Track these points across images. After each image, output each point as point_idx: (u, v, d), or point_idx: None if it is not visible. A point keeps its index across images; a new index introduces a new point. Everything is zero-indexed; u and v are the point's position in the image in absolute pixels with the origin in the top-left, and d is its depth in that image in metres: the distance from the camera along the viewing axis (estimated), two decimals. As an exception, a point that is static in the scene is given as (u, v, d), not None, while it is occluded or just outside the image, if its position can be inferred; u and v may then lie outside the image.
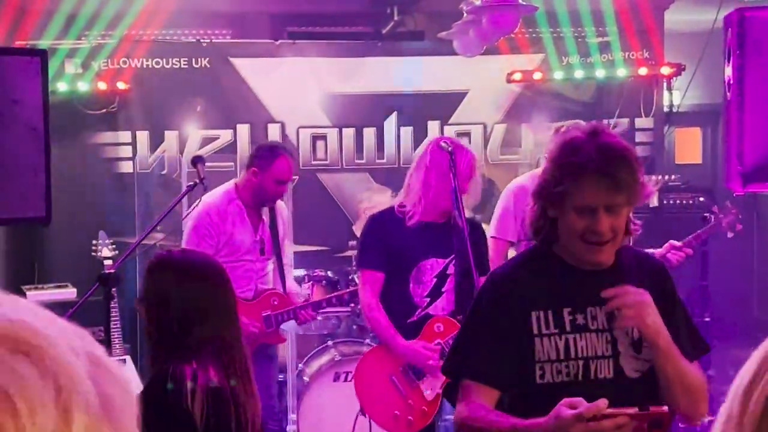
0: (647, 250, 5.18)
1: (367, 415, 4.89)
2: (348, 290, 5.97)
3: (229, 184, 5.56)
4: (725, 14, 3.71)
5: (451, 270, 4.74)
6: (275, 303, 5.39)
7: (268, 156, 5.46)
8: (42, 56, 3.77)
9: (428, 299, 4.73)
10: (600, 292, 2.68)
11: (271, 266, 5.61)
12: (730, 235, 5.81)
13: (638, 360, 2.74)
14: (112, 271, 4.49)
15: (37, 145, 3.74)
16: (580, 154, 2.59)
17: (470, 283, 4.34)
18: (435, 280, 4.74)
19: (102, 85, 7.68)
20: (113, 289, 4.46)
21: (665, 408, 2.49)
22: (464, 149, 4.71)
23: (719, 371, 5.95)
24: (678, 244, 5.40)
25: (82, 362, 0.91)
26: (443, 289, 4.74)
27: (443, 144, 4.56)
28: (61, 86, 7.43)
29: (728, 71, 3.67)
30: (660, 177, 7.54)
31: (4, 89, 3.68)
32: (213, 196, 5.43)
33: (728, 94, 3.67)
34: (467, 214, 4.62)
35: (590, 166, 2.55)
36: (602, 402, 2.43)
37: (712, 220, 5.79)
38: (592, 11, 8.06)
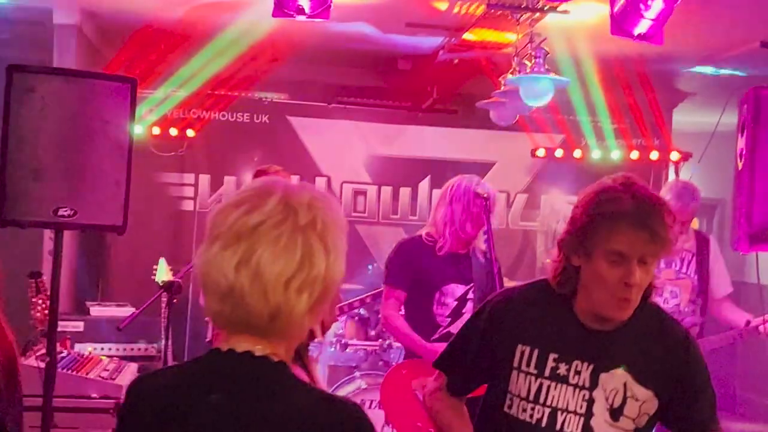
0: (751, 318, 5.10)
1: (390, 425, 4.82)
2: (364, 296, 6.16)
3: None
4: (729, 115, 3.72)
5: (470, 296, 4.74)
6: None
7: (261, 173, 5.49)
8: (132, 83, 3.79)
9: (449, 319, 4.75)
10: (595, 350, 2.48)
11: None
12: None
13: (613, 427, 2.48)
14: (177, 279, 4.47)
15: (122, 162, 3.75)
16: (617, 202, 2.38)
17: None
18: (456, 303, 4.74)
19: (173, 131, 7.74)
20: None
21: None
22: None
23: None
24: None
25: None
26: (463, 311, 4.74)
27: (480, 190, 4.59)
28: (138, 129, 7.49)
29: (741, 143, 3.65)
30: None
31: (97, 110, 3.71)
32: None
33: (740, 163, 3.64)
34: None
35: (628, 215, 2.35)
36: None
37: None
38: (607, 103, 8.07)
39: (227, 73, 7.33)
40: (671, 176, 8.37)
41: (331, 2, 4.02)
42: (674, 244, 2.50)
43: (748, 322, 5.21)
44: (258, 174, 5.55)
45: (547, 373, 2.49)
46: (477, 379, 2.72)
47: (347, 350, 6.45)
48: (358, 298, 6.06)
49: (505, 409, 2.55)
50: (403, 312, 4.94)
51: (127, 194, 3.77)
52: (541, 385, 2.49)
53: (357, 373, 6.26)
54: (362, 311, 6.61)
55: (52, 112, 3.67)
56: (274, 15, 4.15)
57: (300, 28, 5.77)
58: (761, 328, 5.12)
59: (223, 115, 7.93)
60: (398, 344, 6.28)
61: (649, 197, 2.40)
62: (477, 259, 4.74)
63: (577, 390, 2.48)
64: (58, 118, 3.67)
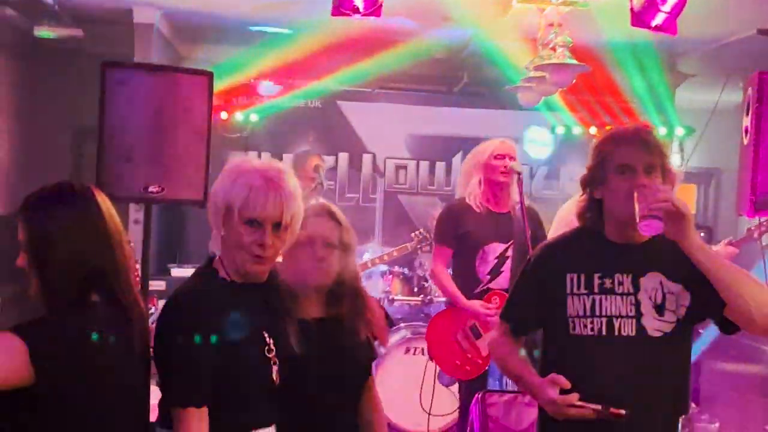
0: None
1: (433, 360, 4.84)
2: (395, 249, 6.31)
3: None
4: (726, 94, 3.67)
5: (509, 253, 4.67)
6: None
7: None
8: (209, 76, 3.80)
9: (489, 276, 4.68)
10: (630, 262, 2.60)
11: None
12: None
13: (660, 321, 2.58)
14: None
15: (201, 145, 3.76)
16: (619, 131, 2.65)
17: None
18: (496, 260, 4.68)
19: (239, 116, 7.76)
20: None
21: (623, 411, 2.45)
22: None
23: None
24: (733, 241, 5.03)
25: None
26: (502, 269, 4.67)
27: (514, 165, 4.56)
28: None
29: (746, 121, 3.58)
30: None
31: (180, 99, 3.72)
32: None
33: (745, 139, 3.59)
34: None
35: (628, 135, 2.58)
36: (573, 396, 2.49)
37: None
38: (618, 84, 7.94)
39: (286, 63, 7.30)
40: (675, 149, 8.27)
41: (382, 2, 3.98)
42: (672, 170, 2.60)
43: (729, 242, 5.04)
44: (299, 158, 5.63)
45: (596, 289, 2.59)
46: (534, 318, 2.75)
47: (394, 304, 6.49)
48: (378, 255, 6.12)
49: (570, 332, 2.61)
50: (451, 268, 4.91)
51: (206, 173, 3.78)
52: (594, 300, 2.59)
53: (402, 324, 6.28)
54: (406, 271, 6.63)
55: (140, 102, 3.69)
56: (333, 14, 4.13)
57: (352, 24, 5.73)
58: (722, 252, 4.91)
59: (282, 101, 7.91)
60: (438, 299, 6.30)
61: (645, 125, 2.62)
62: (517, 218, 4.63)
63: (624, 297, 2.58)
64: (146, 108, 3.69)
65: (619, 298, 2.58)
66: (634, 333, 2.57)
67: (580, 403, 2.47)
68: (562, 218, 4.98)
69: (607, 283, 2.59)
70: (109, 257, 2.16)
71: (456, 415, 5.17)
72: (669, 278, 2.59)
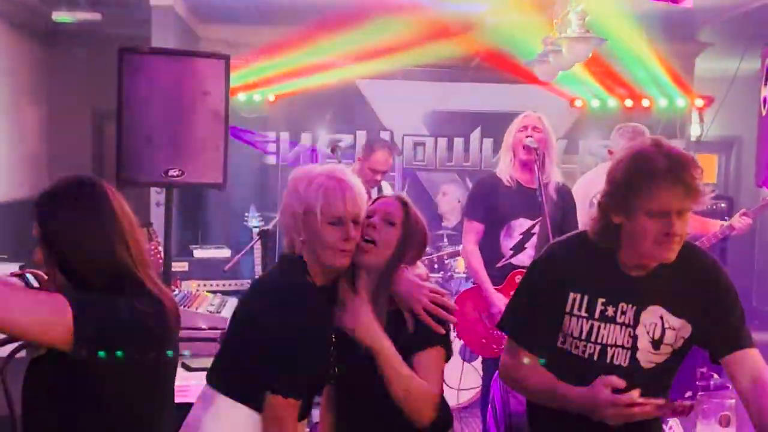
0: (721, 222, 4.99)
1: (460, 337, 4.84)
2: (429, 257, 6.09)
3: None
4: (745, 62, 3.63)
5: (535, 230, 4.60)
6: None
7: (369, 149, 5.52)
8: (226, 60, 3.82)
9: (512, 251, 4.64)
10: (636, 293, 2.46)
11: None
12: None
13: (655, 355, 2.49)
14: (270, 227, 4.53)
15: (220, 128, 3.80)
16: (653, 163, 2.30)
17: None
18: (521, 237, 4.63)
19: (257, 96, 7.78)
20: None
21: (689, 403, 2.30)
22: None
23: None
24: (748, 211, 4.91)
25: None
26: (526, 245, 4.60)
27: (529, 142, 4.52)
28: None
29: (765, 91, 3.57)
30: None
31: (198, 83, 3.74)
32: None
33: (764, 110, 3.57)
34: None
35: (665, 174, 2.28)
36: (636, 392, 2.31)
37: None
38: (636, 56, 7.87)
39: (304, 43, 7.29)
40: (695, 120, 8.22)
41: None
42: (704, 195, 2.36)
43: (744, 212, 4.96)
44: (367, 148, 5.61)
45: (597, 315, 2.48)
46: (543, 330, 2.58)
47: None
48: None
49: (559, 345, 2.53)
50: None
51: (225, 156, 3.81)
52: (592, 326, 2.48)
53: (423, 300, 6.28)
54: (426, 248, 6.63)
55: (158, 86, 3.72)
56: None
57: (367, 2, 5.73)
58: (736, 224, 4.93)
59: (299, 80, 7.90)
60: (458, 275, 6.30)
61: (679, 155, 2.32)
62: (548, 194, 4.53)
63: (623, 327, 2.47)
64: (164, 92, 3.72)
65: (617, 327, 2.48)
66: (626, 364, 2.49)
67: (642, 399, 2.30)
68: (579, 195, 4.97)
69: (610, 310, 2.47)
70: (127, 250, 2.20)
71: (478, 390, 5.20)
72: (673, 313, 2.48)
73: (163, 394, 2.33)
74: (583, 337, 2.49)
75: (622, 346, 2.48)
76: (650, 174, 2.30)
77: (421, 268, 2.69)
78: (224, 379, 2.48)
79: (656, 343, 2.48)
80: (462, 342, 4.93)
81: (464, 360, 5.33)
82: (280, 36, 7.24)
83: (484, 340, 4.70)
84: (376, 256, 2.55)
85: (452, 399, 5.26)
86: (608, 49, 6.76)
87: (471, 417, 5.72)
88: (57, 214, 2.17)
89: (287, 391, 2.37)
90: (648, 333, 2.47)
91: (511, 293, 2.74)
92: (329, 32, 6.91)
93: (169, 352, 2.28)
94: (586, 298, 2.48)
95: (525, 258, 4.62)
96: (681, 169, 2.29)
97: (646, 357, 2.49)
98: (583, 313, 2.48)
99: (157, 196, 6.75)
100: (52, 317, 2.03)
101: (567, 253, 2.58)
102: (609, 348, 2.48)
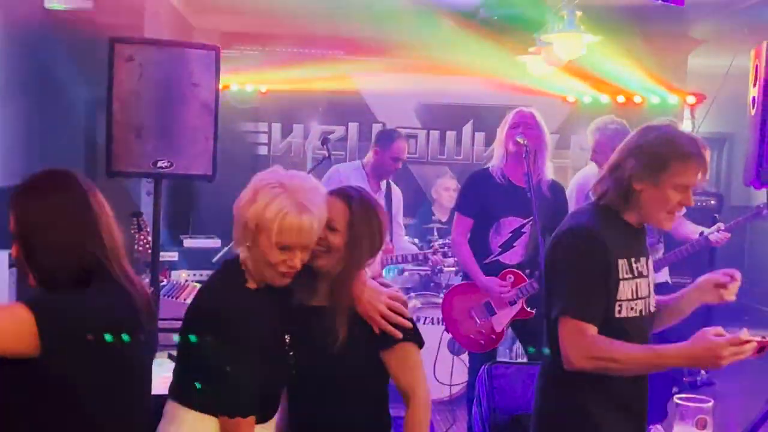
0: (702, 228, 5.14)
1: (449, 332, 4.87)
2: (422, 252, 6.12)
3: (356, 161, 5.82)
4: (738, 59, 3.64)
5: (525, 229, 4.64)
6: None
7: (389, 139, 5.58)
8: (216, 51, 3.81)
9: (500, 249, 4.66)
10: (643, 246, 2.78)
11: None
12: None
13: (655, 297, 2.82)
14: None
15: (210, 119, 3.78)
16: (682, 144, 2.64)
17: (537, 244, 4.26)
18: (510, 235, 4.66)
19: (249, 87, 7.76)
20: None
21: None
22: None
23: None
24: (723, 226, 5.08)
25: None
26: (515, 244, 4.65)
27: (519, 138, 4.52)
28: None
29: (754, 92, 3.56)
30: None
31: (187, 74, 3.73)
32: (343, 165, 5.74)
33: (752, 110, 3.57)
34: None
35: (696, 156, 2.62)
36: (743, 332, 2.44)
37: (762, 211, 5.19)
38: (629, 53, 7.87)
39: (295, 33, 7.28)
40: (686, 115, 8.22)
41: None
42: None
43: (701, 233, 5.08)
44: (386, 138, 5.66)
45: (635, 273, 2.70)
46: (605, 303, 2.66)
47: (404, 274, 6.52)
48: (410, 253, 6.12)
49: (616, 315, 2.65)
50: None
51: (215, 147, 3.80)
52: (634, 284, 2.69)
53: (412, 294, 6.30)
54: (416, 239, 6.65)
55: (148, 77, 3.71)
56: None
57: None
58: (712, 237, 5.02)
59: (291, 71, 7.88)
60: (448, 269, 6.31)
61: (697, 138, 2.67)
62: (541, 193, 4.56)
63: (644, 279, 2.74)
64: (154, 83, 3.71)
65: (644, 281, 2.73)
66: (651, 310, 2.77)
67: (748, 337, 2.42)
68: (578, 187, 4.98)
69: (639, 267, 2.72)
70: (98, 243, 2.20)
71: (464, 384, 5.22)
72: (648, 260, 2.83)
73: (135, 382, 2.31)
74: (633, 296, 2.69)
75: (648, 297, 2.75)
76: (683, 155, 2.62)
77: (376, 267, 2.70)
78: (184, 390, 2.42)
79: (655, 288, 2.82)
80: (450, 335, 4.95)
81: (453, 354, 5.34)
82: (274, 27, 7.23)
83: (472, 336, 4.72)
84: (326, 261, 2.52)
85: (436, 394, 5.27)
86: (600, 45, 6.78)
87: (459, 410, 5.73)
88: (28, 207, 2.18)
89: (232, 412, 2.32)
90: (652, 281, 2.80)
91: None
92: (323, 24, 6.89)
93: (139, 339, 2.25)
94: (626, 261, 2.68)
95: (513, 256, 4.65)
96: (704, 154, 2.64)
97: (653, 302, 2.80)
98: (627, 275, 2.68)
99: (147, 185, 6.72)
100: (14, 327, 2.02)
101: (599, 226, 2.69)
102: (645, 300, 2.73)
